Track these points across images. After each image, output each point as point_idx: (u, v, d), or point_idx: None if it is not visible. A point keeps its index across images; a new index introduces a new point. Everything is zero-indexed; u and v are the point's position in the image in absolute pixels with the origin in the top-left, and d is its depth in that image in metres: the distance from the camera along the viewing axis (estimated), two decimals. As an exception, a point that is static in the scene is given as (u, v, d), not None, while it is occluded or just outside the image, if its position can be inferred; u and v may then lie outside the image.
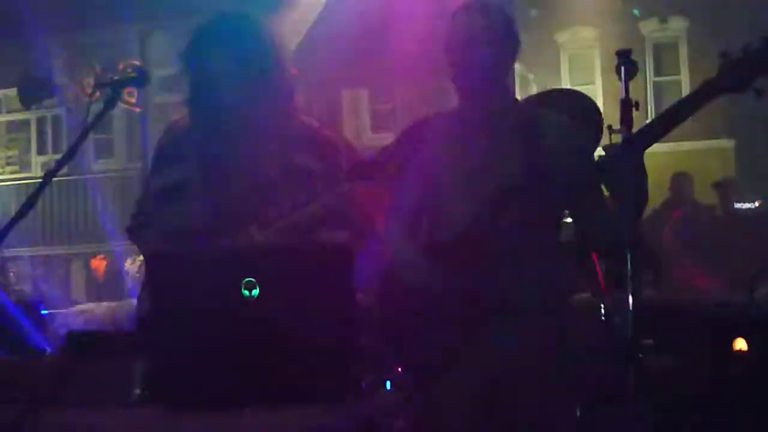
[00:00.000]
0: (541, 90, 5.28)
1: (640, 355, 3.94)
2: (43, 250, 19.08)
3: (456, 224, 3.45)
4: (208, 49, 3.58)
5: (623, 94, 3.41)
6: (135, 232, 3.78)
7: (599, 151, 3.44)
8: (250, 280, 2.79)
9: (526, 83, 17.19)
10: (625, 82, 3.43)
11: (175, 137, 3.84)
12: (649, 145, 3.31)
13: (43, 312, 8.17)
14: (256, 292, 2.79)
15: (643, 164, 3.31)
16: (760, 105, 3.40)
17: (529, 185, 3.37)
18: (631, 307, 3.42)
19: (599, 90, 18.41)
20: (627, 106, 3.33)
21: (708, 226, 9.04)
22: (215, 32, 3.61)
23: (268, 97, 3.63)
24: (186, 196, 3.67)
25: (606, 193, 3.45)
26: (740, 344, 3.85)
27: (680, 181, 10.36)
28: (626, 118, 3.30)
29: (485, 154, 3.49)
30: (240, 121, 3.63)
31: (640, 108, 3.51)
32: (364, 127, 18.97)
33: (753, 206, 10.98)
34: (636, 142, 3.31)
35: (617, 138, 3.39)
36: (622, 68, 3.41)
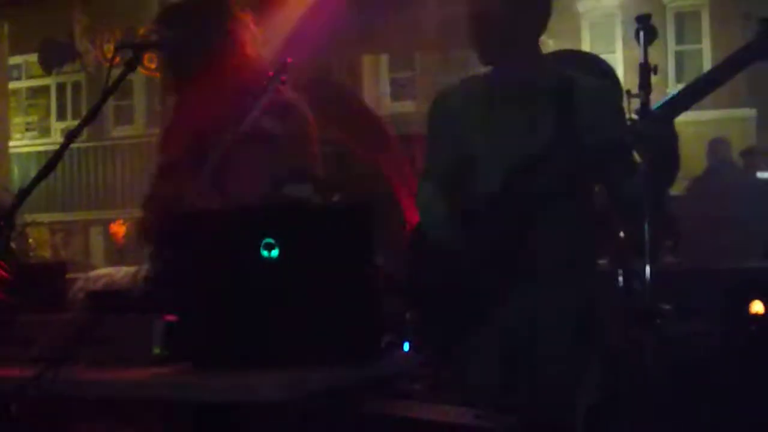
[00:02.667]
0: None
1: (658, 321, 3.95)
2: (62, 216, 19.16)
3: (487, 188, 3.46)
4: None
5: (642, 59, 3.39)
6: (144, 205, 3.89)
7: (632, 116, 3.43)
8: (269, 241, 2.79)
9: (547, 50, 17.13)
10: (644, 46, 3.41)
11: (173, 121, 4.07)
12: (683, 111, 3.30)
13: (64, 275, 8.22)
14: (275, 252, 2.79)
15: (675, 131, 3.30)
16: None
17: (562, 149, 3.38)
18: (648, 274, 3.41)
19: (620, 59, 18.33)
20: (646, 70, 3.31)
21: (728, 188, 9.01)
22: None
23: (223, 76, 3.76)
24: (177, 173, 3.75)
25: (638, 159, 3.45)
26: (757, 307, 3.85)
27: (716, 146, 10.32)
28: (645, 83, 3.28)
29: (516, 118, 3.49)
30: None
31: (660, 75, 3.48)
32: (383, 95, 18.96)
33: (773, 175, 10.96)
34: (672, 107, 3.30)
35: (636, 103, 3.37)
36: (641, 33, 3.39)
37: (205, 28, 3.75)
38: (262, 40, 3.97)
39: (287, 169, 3.62)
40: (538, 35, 3.60)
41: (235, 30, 3.81)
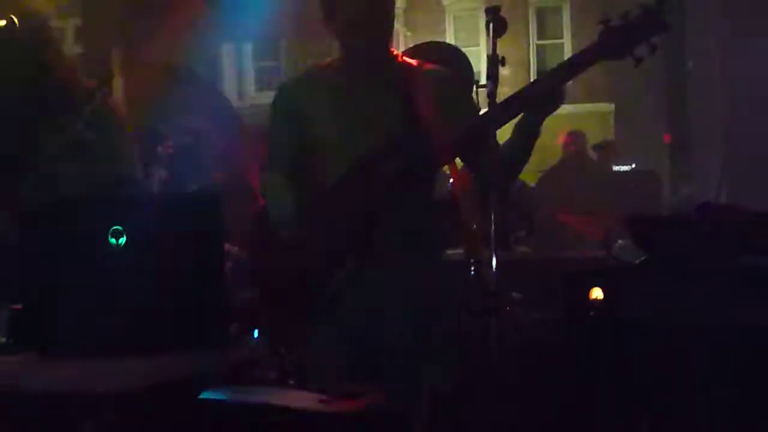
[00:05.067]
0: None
1: (507, 308, 4.04)
2: None
3: (334, 172, 3.50)
4: None
5: (491, 50, 3.47)
6: None
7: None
8: (117, 228, 2.80)
9: (406, 42, 17.26)
10: (493, 39, 3.47)
11: None
12: (530, 106, 3.39)
13: None
14: (122, 240, 2.80)
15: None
16: (639, 71, 3.49)
17: (409, 136, 3.43)
18: (495, 262, 3.49)
19: (483, 52, 18.54)
20: (494, 62, 3.38)
21: (580, 180, 9.25)
22: None
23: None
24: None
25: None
26: (596, 293, 3.99)
27: (572, 139, 10.55)
28: (492, 74, 3.35)
29: (367, 105, 3.53)
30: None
31: (521, 70, 3.58)
32: (247, 85, 18.87)
33: (628, 168, 11.25)
34: (519, 100, 3.38)
35: (484, 93, 3.45)
36: (491, 25, 3.46)
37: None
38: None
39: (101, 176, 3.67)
40: (392, 27, 3.66)
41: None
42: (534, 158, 3.62)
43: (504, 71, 3.48)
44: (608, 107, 18.65)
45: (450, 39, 19.76)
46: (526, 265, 6.08)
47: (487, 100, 3.38)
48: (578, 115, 17.34)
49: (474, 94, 4.98)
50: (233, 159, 5.84)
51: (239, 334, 3.11)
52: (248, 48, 18.62)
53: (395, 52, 3.71)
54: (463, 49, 5.34)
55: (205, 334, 2.86)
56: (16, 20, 3.51)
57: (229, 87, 16.67)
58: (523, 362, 4.51)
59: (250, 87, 18.87)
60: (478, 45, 19.15)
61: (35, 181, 3.44)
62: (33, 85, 3.74)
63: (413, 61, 3.66)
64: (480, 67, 5.03)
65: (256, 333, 3.29)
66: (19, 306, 2.96)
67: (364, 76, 3.57)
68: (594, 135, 13.75)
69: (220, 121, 6.07)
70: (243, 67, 18.89)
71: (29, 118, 3.68)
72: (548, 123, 3.50)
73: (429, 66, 3.63)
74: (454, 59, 4.68)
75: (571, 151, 10.31)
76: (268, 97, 3.91)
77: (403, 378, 3.44)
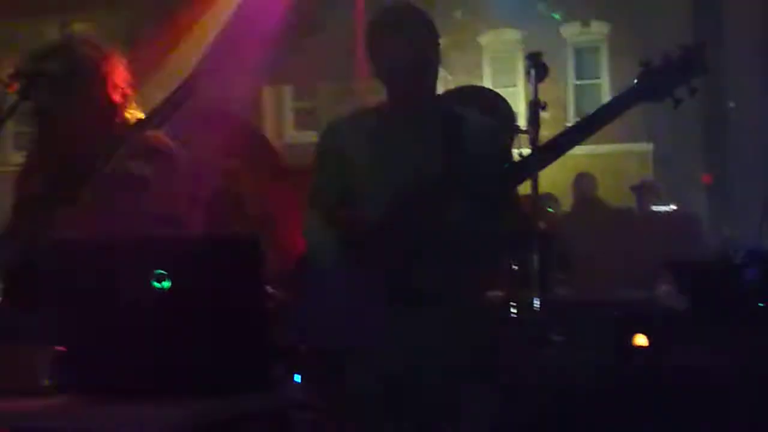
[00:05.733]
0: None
1: (549, 351, 4.02)
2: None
3: (373, 215, 3.51)
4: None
5: (532, 96, 3.48)
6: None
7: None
8: (161, 272, 2.81)
9: (446, 84, 17.28)
10: (534, 84, 3.50)
11: (29, 159, 4.03)
12: (569, 149, 3.39)
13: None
14: (166, 283, 2.81)
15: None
16: (678, 110, 3.49)
17: (448, 181, 3.44)
18: (538, 305, 3.49)
19: (521, 92, 18.56)
20: (535, 107, 3.40)
21: (605, 225, 9.20)
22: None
23: (91, 112, 3.76)
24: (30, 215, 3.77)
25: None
26: (640, 340, 3.97)
27: (581, 181, 10.50)
28: (534, 120, 3.37)
29: (406, 149, 3.56)
30: (71, 138, 3.77)
31: (559, 110, 3.59)
32: (287, 125, 18.97)
33: (669, 209, 11.20)
34: (556, 146, 3.39)
35: (525, 138, 3.46)
36: (532, 71, 3.48)
37: (80, 64, 3.74)
38: (170, 70, 3.98)
39: (154, 212, 3.69)
40: (436, 72, 3.68)
41: (106, 69, 3.81)
42: (569, 199, 3.63)
43: (543, 114, 3.49)
44: (646, 147, 18.58)
45: (487, 80, 19.79)
46: (567, 307, 6.04)
47: (529, 146, 3.39)
48: (615, 154, 17.30)
49: (514, 139, 4.99)
50: (273, 199, 5.87)
51: (282, 377, 3.10)
52: (287, 90, 18.75)
53: (438, 96, 3.73)
54: (501, 90, 5.36)
55: (249, 377, 2.85)
56: (67, 61, 3.56)
57: (269, 127, 16.76)
58: (566, 406, 4.48)
59: (289, 127, 18.98)
60: (515, 86, 19.15)
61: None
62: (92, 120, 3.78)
63: (454, 107, 3.67)
64: (518, 107, 5.03)
65: (297, 377, 3.28)
66: (62, 348, 2.96)
67: (406, 121, 3.59)
68: (631, 175, 13.72)
69: (259, 161, 6.10)
70: (282, 108, 19.00)
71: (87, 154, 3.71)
72: (585, 162, 3.51)
73: (469, 113, 3.65)
74: (494, 105, 4.69)
75: (577, 195, 10.27)
76: (306, 137, 3.94)
77: (443, 424, 3.43)
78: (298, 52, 10.06)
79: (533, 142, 3.36)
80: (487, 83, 19.25)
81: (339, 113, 3.98)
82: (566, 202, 10.14)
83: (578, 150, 3.46)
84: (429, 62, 3.58)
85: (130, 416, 2.71)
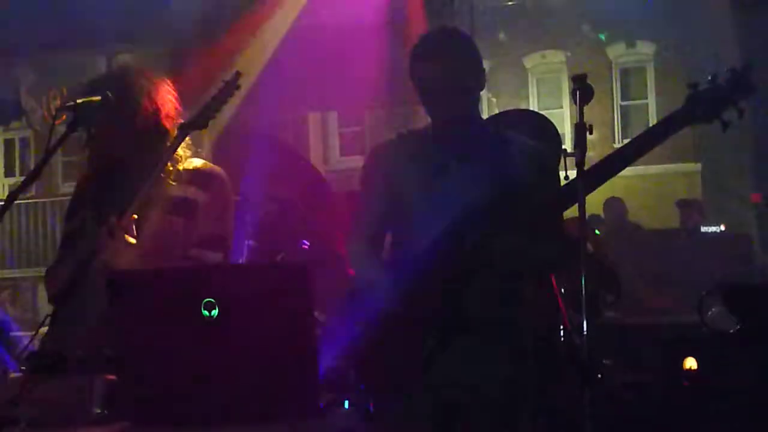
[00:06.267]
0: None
1: (599, 376, 3.98)
2: (10, 273, 18.97)
3: (421, 242, 3.51)
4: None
5: (578, 118, 3.47)
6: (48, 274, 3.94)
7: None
8: (210, 300, 2.82)
9: (490, 106, 17.28)
10: (579, 106, 3.47)
11: (78, 190, 4.06)
12: (617, 172, 3.38)
13: (10, 334, 8.20)
14: (215, 311, 2.82)
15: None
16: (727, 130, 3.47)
17: (495, 205, 3.43)
18: (586, 328, 3.45)
19: (567, 114, 18.53)
20: (581, 130, 3.38)
21: (643, 247, 9.16)
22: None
23: (146, 142, 3.82)
24: (81, 242, 3.79)
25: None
26: (690, 363, 3.93)
27: (612, 206, 10.53)
28: (580, 142, 3.35)
29: (453, 173, 3.55)
30: (126, 167, 3.81)
31: (605, 131, 3.58)
32: (332, 150, 19.02)
33: (717, 230, 11.13)
34: (604, 169, 3.38)
35: (572, 162, 3.45)
36: (578, 92, 3.46)
37: (133, 93, 3.78)
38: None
39: (204, 236, 3.74)
40: (479, 96, 3.68)
41: (157, 98, 3.85)
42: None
43: (589, 136, 3.48)
44: (694, 167, 18.45)
45: (533, 102, 19.74)
46: (616, 331, 6.01)
47: (575, 169, 3.37)
48: (664, 175, 17.19)
49: (560, 161, 4.97)
50: (319, 226, 5.88)
51: (332, 404, 3.11)
52: (333, 115, 18.83)
53: (481, 119, 3.72)
54: (546, 112, 5.35)
55: (298, 405, 2.86)
56: (111, 95, 3.58)
57: (314, 153, 16.83)
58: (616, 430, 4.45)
59: (335, 152, 19.05)
60: (561, 107, 19.11)
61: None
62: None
63: (500, 130, 3.67)
64: (564, 129, 5.02)
65: (346, 404, 3.28)
66: (113, 377, 2.99)
67: (450, 144, 3.59)
68: (680, 195, 13.62)
69: (307, 187, 6.12)
70: (328, 134, 19.08)
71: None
72: (634, 184, 3.50)
73: (515, 136, 3.64)
74: (541, 128, 4.67)
75: (609, 220, 10.27)
76: (352, 162, 3.96)
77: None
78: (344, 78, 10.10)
79: (579, 164, 3.33)
80: (533, 105, 19.22)
81: (385, 138, 3.99)
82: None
83: (627, 171, 3.45)
84: (469, 85, 3.59)
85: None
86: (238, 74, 3.89)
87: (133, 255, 3.56)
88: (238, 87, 3.84)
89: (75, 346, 3.28)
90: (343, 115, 18.96)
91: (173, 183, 3.76)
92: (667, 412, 4.08)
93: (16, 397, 2.81)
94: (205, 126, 3.81)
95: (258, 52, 9.70)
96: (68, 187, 20.08)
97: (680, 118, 3.37)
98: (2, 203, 3.11)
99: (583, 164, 3.33)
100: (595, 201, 7.30)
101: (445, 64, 3.53)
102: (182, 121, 3.86)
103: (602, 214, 10.36)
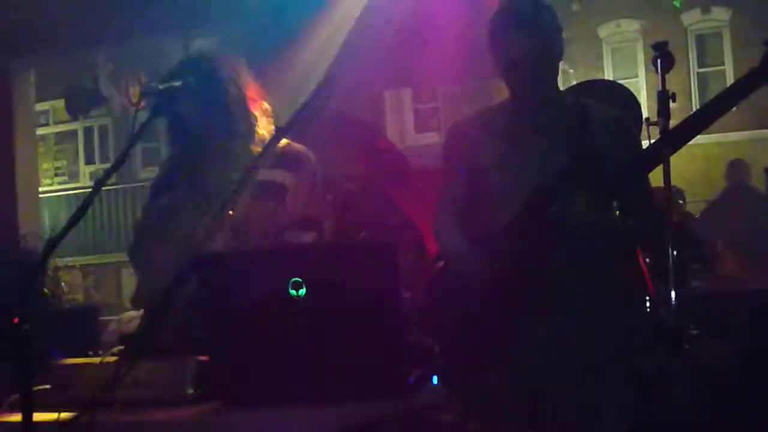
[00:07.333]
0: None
1: (686, 345, 3.95)
2: (94, 259, 19.26)
3: (505, 215, 3.49)
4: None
5: (660, 87, 3.43)
6: (135, 256, 3.96)
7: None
8: (297, 280, 2.84)
9: (567, 78, 17.13)
10: (661, 74, 3.44)
11: (164, 171, 4.08)
12: (693, 137, 3.33)
13: (96, 319, 8.35)
14: (302, 291, 2.84)
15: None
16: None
17: (578, 176, 3.41)
18: (674, 298, 3.43)
19: (642, 83, 18.35)
20: (664, 98, 3.34)
21: (750, 212, 8.99)
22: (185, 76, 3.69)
23: (235, 126, 3.82)
24: (176, 220, 3.80)
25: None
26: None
27: (734, 168, 10.23)
28: (663, 110, 3.32)
29: (534, 145, 3.54)
30: (214, 150, 3.82)
31: (683, 99, 3.53)
32: (407, 128, 19.02)
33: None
34: (679, 133, 3.33)
35: (655, 130, 3.41)
36: (659, 60, 3.43)
37: (217, 77, 3.79)
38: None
39: (295, 218, 3.74)
40: (558, 66, 3.64)
41: (241, 82, 3.85)
42: (700, 188, 3.58)
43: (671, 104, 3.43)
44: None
45: (608, 71, 19.57)
46: (698, 300, 5.93)
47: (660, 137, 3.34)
48: (745, 142, 16.93)
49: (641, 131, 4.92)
50: (400, 203, 5.89)
51: (419, 380, 3.11)
52: (407, 92, 18.82)
53: (561, 91, 3.69)
54: (622, 81, 5.29)
55: (386, 382, 2.87)
56: (204, 74, 3.61)
57: (390, 131, 16.83)
58: (707, 399, 4.41)
59: (410, 129, 19.04)
60: (636, 77, 18.93)
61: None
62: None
63: (579, 99, 3.64)
64: (640, 98, 4.95)
65: (435, 379, 3.29)
66: (204, 357, 3.02)
67: (532, 117, 3.57)
68: (761, 162, 13.39)
69: (388, 164, 6.12)
70: (403, 111, 19.07)
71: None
72: (714, 150, 3.45)
73: (598, 105, 3.60)
74: (624, 99, 4.62)
75: (730, 183, 10.06)
76: (426, 139, 3.95)
77: (585, 422, 3.40)
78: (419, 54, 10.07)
79: (663, 132, 3.29)
80: (608, 75, 19.05)
81: (460, 114, 3.98)
82: (695, 192, 9.95)
83: (705, 138, 3.39)
84: (551, 57, 3.55)
85: (273, 423, 2.76)
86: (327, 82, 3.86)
87: (227, 242, 3.59)
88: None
89: (167, 328, 3.32)
90: (417, 92, 18.93)
91: (265, 166, 3.76)
92: (754, 380, 4.03)
93: (111, 379, 2.84)
94: (298, 134, 3.79)
95: (334, 32, 9.71)
96: (147, 173, 20.33)
97: (756, 77, 3.29)
98: (90, 191, 3.14)
99: (667, 132, 3.30)
100: (685, 171, 7.22)
101: (532, 36, 3.49)
102: (265, 104, 3.88)
103: (724, 174, 10.08)
